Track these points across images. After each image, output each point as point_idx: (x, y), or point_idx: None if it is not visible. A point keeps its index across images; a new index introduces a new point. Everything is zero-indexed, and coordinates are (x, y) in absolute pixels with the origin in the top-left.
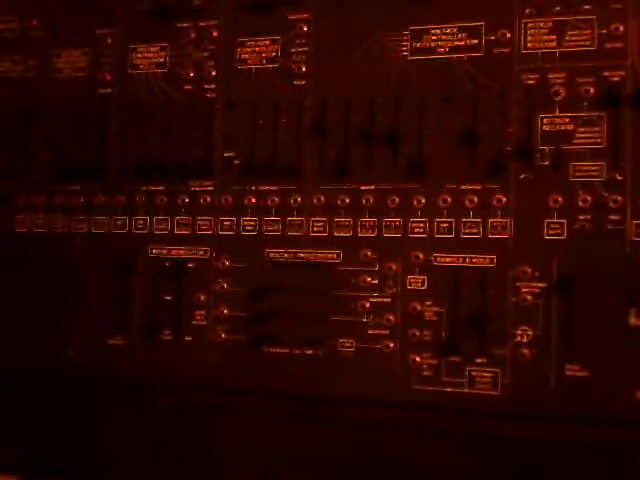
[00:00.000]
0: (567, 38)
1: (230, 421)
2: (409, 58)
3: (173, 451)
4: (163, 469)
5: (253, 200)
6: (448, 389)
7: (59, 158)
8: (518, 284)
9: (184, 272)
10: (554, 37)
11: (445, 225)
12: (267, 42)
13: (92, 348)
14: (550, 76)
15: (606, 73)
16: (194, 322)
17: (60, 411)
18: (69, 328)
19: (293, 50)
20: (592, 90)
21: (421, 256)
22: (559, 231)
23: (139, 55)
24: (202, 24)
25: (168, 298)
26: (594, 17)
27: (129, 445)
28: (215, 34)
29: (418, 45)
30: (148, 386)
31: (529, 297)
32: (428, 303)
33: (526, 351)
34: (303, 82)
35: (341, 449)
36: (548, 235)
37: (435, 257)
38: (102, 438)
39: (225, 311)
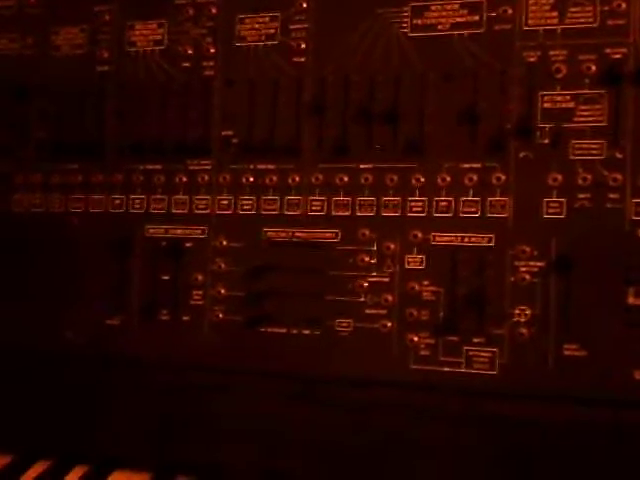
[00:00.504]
0: (569, 15)
1: (228, 400)
2: (410, 35)
3: (171, 430)
4: (161, 448)
5: (251, 179)
6: (446, 369)
7: (56, 136)
8: (517, 263)
9: (181, 252)
10: (556, 14)
11: (444, 204)
12: (266, 19)
13: (90, 328)
14: (551, 53)
15: (608, 50)
16: (192, 302)
17: (58, 391)
18: (67, 308)
19: (292, 27)
20: (593, 67)
21: (419, 235)
22: (558, 210)
23: (137, 32)
24: (200, 1)
25: (166, 278)
26: None
27: (127, 424)
28: (214, 11)
29: (419, 22)
30: (146, 366)
31: (527, 276)
32: (426, 283)
33: (524, 330)
34: (302, 59)
35: (339, 429)
36: (547, 214)
37: (434, 236)
38: (101, 418)
39: (222, 291)
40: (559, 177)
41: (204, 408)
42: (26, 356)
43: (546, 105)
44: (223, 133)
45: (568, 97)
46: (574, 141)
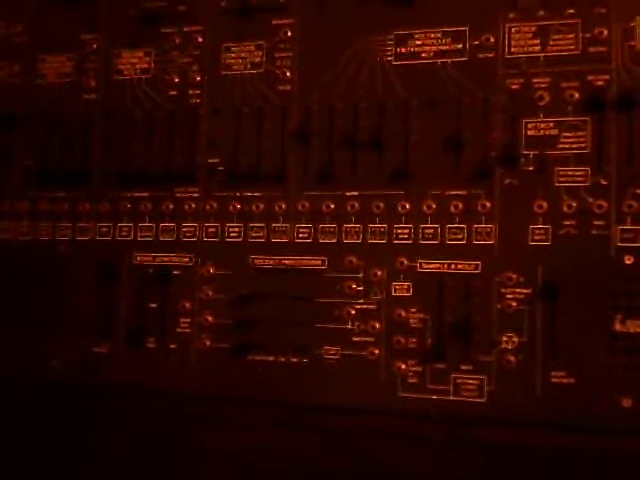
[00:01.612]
0: (551, 42)
1: (215, 429)
2: (393, 63)
3: (157, 459)
4: (147, 477)
5: (238, 206)
6: (433, 396)
7: (43, 164)
8: (503, 290)
9: (169, 279)
10: (538, 41)
11: (430, 231)
12: (251, 47)
13: (77, 356)
14: (534, 80)
15: (590, 77)
16: (179, 330)
17: (44, 419)
18: (54, 336)
19: (277, 55)
20: (576, 94)
21: (406, 262)
22: (544, 237)
23: (124, 60)
24: (186, 29)
25: (153, 305)
26: (578, 21)
27: (113, 453)
28: (200, 39)
29: (402, 50)
30: (133, 394)
31: (514, 303)
32: (413, 310)
33: (512, 358)
34: (288, 87)
35: (326, 457)
36: (533, 241)
37: (420, 263)
38: (87, 446)
39: (210, 318)
40: (544, 204)
41: (191, 436)
42: (11, 384)
43: (530, 132)
44: (209, 161)
45: (551, 124)
46: (558, 168)
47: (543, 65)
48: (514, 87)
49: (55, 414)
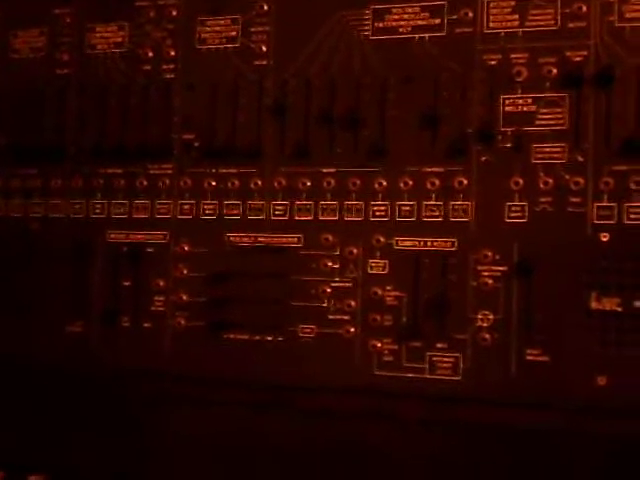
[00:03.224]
0: (529, 18)
1: (189, 409)
2: (371, 38)
3: (131, 441)
4: (120, 459)
5: (213, 183)
6: (409, 374)
7: (15, 140)
8: (479, 268)
9: (143, 257)
10: (516, 17)
11: (406, 208)
12: (227, 21)
13: (50, 335)
14: (512, 56)
15: (568, 53)
16: (153, 308)
17: (16, 399)
18: (26, 315)
19: (253, 30)
20: (554, 70)
21: (382, 240)
22: (520, 214)
23: (97, 35)
24: (161, 2)
25: (127, 284)
26: None
27: (86, 433)
28: (174, 13)
29: (380, 25)
30: (107, 373)
31: (490, 281)
32: (389, 288)
33: (487, 336)
34: (264, 62)
35: (302, 436)
36: (509, 218)
37: (396, 241)
38: (58, 426)
39: (184, 297)
40: (521, 181)
41: (164, 416)
42: None
43: (507, 109)
44: (184, 137)
45: (529, 100)
46: (535, 145)
47: (521, 40)
48: (492, 63)
49: (27, 393)
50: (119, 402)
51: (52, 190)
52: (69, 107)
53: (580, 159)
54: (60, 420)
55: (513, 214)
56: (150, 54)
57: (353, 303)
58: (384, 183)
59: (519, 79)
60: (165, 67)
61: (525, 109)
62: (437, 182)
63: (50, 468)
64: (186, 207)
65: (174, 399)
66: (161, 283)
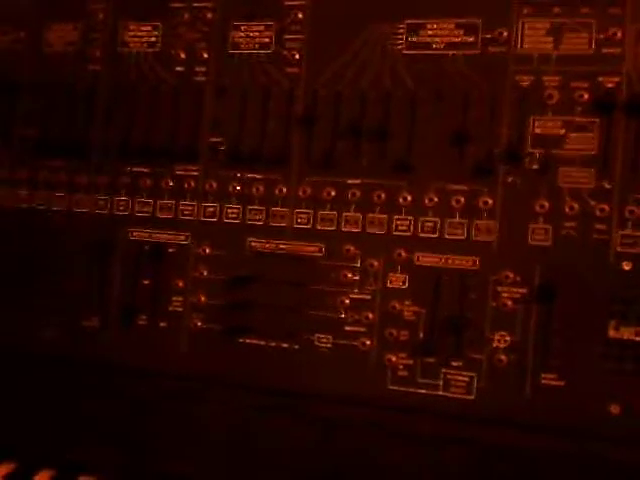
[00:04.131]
0: (564, 41)
1: (200, 411)
2: (404, 52)
3: (142, 439)
4: (130, 457)
5: (238, 188)
6: (422, 391)
7: (44, 133)
8: (499, 289)
9: (164, 257)
10: (551, 39)
11: (430, 224)
12: (261, 27)
13: (67, 329)
14: (545, 78)
15: (601, 79)
16: (171, 308)
17: (30, 391)
18: (45, 307)
19: (287, 37)
20: (586, 95)
21: (404, 254)
22: (544, 237)
23: (130, 33)
24: (196, 5)
25: (146, 282)
26: (592, 21)
27: (98, 430)
28: (209, 16)
29: (414, 39)
30: (121, 370)
31: (509, 302)
32: (407, 302)
33: (503, 357)
34: (296, 70)
35: (312, 444)
36: (532, 240)
37: (418, 256)
38: (71, 422)
39: (203, 299)
40: (546, 204)
41: (176, 417)
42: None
43: (537, 130)
44: (212, 140)
45: (559, 123)
46: (563, 168)
47: (554, 63)
48: (524, 84)
49: (42, 386)
50: (129, 399)
51: (77, 185)
52: (98, 103)
53: (607, 186)
54: (69, 415)
55: (537, 237)
56: (182, 56)
57: (371, 316)
58: (409, 198)
59: (550, 102)
60: (197, 69)
61: (554, 132)
62: (462, 200)
63: (57, 463)
64: (210, 210)
65: (187, 399)
66: (180, 284)
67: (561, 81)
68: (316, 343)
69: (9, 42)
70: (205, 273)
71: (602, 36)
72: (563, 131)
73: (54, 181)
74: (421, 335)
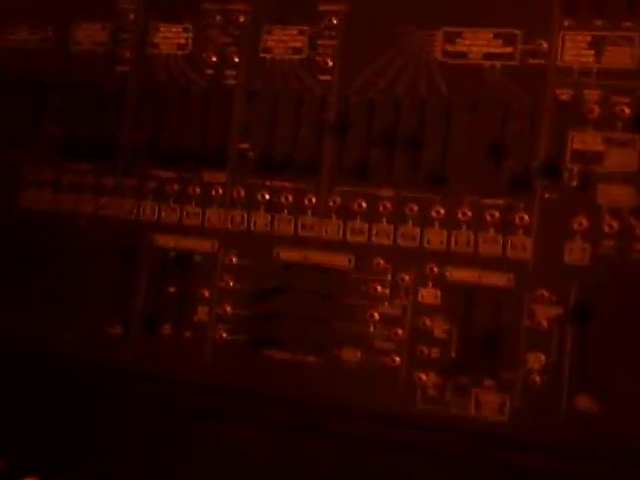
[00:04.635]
0: (606, 54)
1: (223, 424)
2: (440, 60)
3: (162, 450)
4: (149, 469)
5: (266, 196)
6: (453, 410)
7: (70, 134)
8: (534, 307)
9: (190, 265)
10: (592, 52)
11: (463, 239)
12: (294, 32)
13: (89, 335)
14: (585, 92)
15: None
16: (195, 318)
17: (52, 397)
18: (68, 311)
19: (320, 42)
20: (627, 110)
21: (436, 269)
22: (581, 256)
23: (161, 34)
24: (229, 7)
25: (171, 290)
26: (635, 34)
27: (117, 440)
28: (241, 19)
29: (450, 48)
30: (143, 379)
31: (544, 322)
32: (439, 319)
33: (537, 378)
34: (328, 77)
35: (337, 462)
36: (569, 259)
37: (450, 272)
38: (91, 430)
39: (228, 309)
40: (584, 222)
41: (197, 429)
42: (22, 358)
43: (576, 146)
44: (241, 146)
45: (599, 139)
46: (602, 185)
47: (595, 77)
48: (564, 97)
49: (62, 392)
50: (152, 408)
51: (103, 188)
52: (127, 105)
53: None
54: (86, 423)
55: (574, 255)
56: (213, 59)
57: (400, 332)
58: (442, 211)
59: (590, 116)
60: (228, 73)
61: (594, 148)
62: (497, 215)
63: (72, 470)
64: (237, 218)
65: (209, 411)
66: (206, 293)
67: (602, 95)
68: (343, 358)
69: (37, 41)
70: (231, 283)
71: None
72: (603, 147)
73: (80, 183)
74: (453, 353)
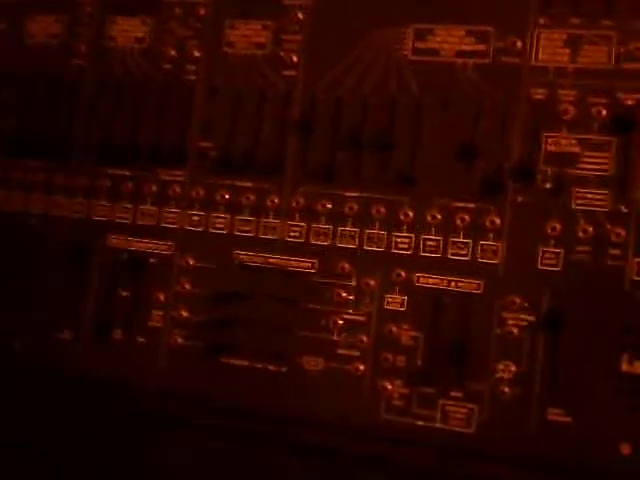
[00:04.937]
0: (582, 53)
1: (176, 434)
2: (410, 58)
3: (112, 461)
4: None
5: (226, 196)
6: (419, 422)
7: (20, 129)
8: (504, 315)
9: (144, 267)
10: (568, 51)
11: (432, 243)
12: (258, 26)
13: (38, 340)
14: (560, 92)
15: (621, 95)
16: (150, 323)
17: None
18: (16, 315)
19: (285, 37)
20: (604, 112)
21: (403, 274)
22: (554, 261)
23: (118, 27)
24: (189, 0)
25: (124, 294)
26: (613, 33)
27: (66, 448)
28: (202, 12)
29: (421, 45)
30: (93, 386)
31: (515, 330)
32: (405, 326)
33: (506, 389)
34: (293, 73)
35: (297, 476)
36: (542, 264)
37: (418, 277)
38: (40, 437)
39: (184, 314)
40: (558, 226)
41: (150, 437)
42: None
43: (550, 147)
44: (201, 144)
45: (574, 141)
46: (577, 189)
47: (571, 77)
48: (538, 97)
49: (12, 398)
50: (102, 416)
51: (55, 186)
52: (81, 100)
53: (624, 210)
54: (32, 429)
55: (547, 261)
56: (173, 53)
57: (365, 339)
58: (410, 214)
59: (565, 117)
60: (188, 68)
61: (569, 150)
62: (467, 218)
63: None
64: (195, 218)
65: (162, 420)
66: (161, 297)
67: (577, 96)
68: (305, 366)
69: None
70: (188, 286)
71: (623, 50)
72: (578, 149)
73: (30, 181)
74: (419, 362)
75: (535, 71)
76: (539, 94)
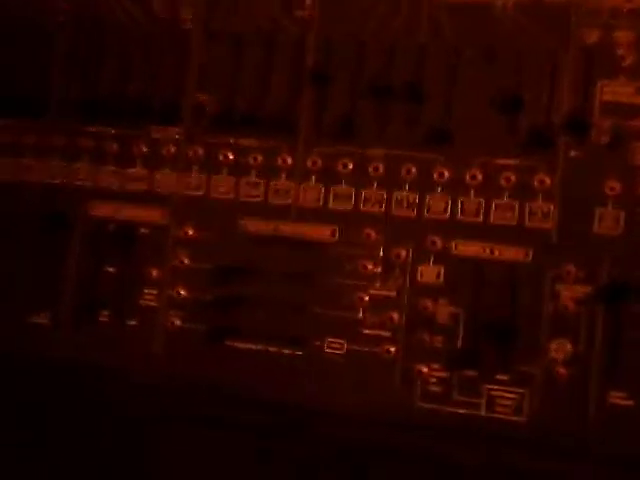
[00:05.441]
0: None
1: (176, 426)
2: None
3: (101, 460)
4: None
5: (230, 156)
6: (460, 410)
7: None
8: (558, 287)
9: (134, 239)
10: None
11: (472, 206)
12: None
13: (12, 326)
14: (616, 35)
15: None
16: (141, 302)
17: None
18: None
19: None
20: None
21: (438, 242)
22: (614, 225)
23: None
24: None
25: (110, 270)
26: None
27: (50, 446)
28: None
29: None
30: (77, 376)
31: (570, 304)
32: (442, 302)
33: (562, 370)
34: (307, 13)
35: (319, 473)
36: (599, 229)
37: (456, 245)
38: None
39: (183, 292)
40: (616, 185)
41: (146, 434)
42: None
43: (606, 97)
44: (199, 97)
45: (632, 90)
46: (638, 143)
47: (628, 18)
48: (591, 41)
49: None
50: (88, 410)
51: (26, 148)
52: (59, 48)
53: None
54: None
55: (605, 224)
56: None
57: (396, 317)
58: (446, 174)
59: (623, 63)
60: (183, 10)
61: (627, 100)
62: (513, 178)
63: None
64: (194, 182)
65: (158, 413)
66: (154, 273)
67: (636, 38)
68: (326, 349)
69: None
70: (186, 261)
71: None
72: (638, 99)
73: None
74: (459, 342)
75: (587, 11)
76: (592, 37)
